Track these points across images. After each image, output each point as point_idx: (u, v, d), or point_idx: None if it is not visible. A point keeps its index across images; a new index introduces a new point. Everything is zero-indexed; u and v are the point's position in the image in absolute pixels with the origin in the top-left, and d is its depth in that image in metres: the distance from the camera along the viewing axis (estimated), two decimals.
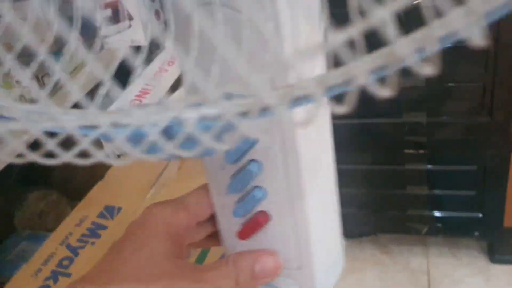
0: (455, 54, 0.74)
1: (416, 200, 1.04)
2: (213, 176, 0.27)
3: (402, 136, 0.97)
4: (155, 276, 0.24)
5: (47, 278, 0.61)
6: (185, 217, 0.28)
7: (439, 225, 1.06)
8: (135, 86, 0.90)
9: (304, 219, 0.25)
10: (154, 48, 0.96)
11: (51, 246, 0.67)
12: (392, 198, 1.04)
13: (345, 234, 0.30)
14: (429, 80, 0.87)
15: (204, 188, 0.29)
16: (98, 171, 1.02)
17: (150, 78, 0.90)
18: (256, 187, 0.25)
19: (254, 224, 0.26)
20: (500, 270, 1.04)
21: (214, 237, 0.31)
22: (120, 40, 1.05)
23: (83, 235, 0.69)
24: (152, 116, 0.18)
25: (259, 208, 0.26)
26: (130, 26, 1.04)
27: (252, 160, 0.24)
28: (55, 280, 0.61)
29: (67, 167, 1.15)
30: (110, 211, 0.72)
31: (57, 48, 0.32)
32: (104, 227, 0.70)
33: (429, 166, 0.99)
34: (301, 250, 0.27)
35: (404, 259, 1.10)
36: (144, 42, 1.06)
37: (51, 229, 0.92)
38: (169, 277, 0.25)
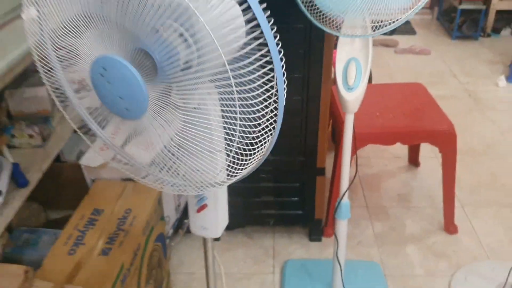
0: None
1: (267, 204, 1.74)
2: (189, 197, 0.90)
3: (258, 173, 1.65)
4: None
5: (72, 245, 1.18)
6: None
7: (280, 219, 1.77)
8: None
9: (220, 205, 0.91)
10: None
11: (69, 230, 1.23)
12: (253, 203, 1.73)
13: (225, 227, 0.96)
14: None
15: None
16: (77, 190, 1.57)
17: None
18: (204, 197, 0.89)
19: (203, 207, 0.90)
20: (315, 245, 1.78)
21: None
22: None
23: (85, 225, 1.26)
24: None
25: (203, 201, 0.90)
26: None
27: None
28: (75, 250, 1.18)
29: (50, 189, 1.74)
30: (97, 212, 1.30)
31: None
32: (96, 220, 1.28)
33: (274, 184, 1.70)
34: (218, 216, 0.92)
35: (260, 241, 1.80)
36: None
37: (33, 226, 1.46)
38: None
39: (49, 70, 0.76)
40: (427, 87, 1.91)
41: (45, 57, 0.75)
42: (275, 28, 0.65)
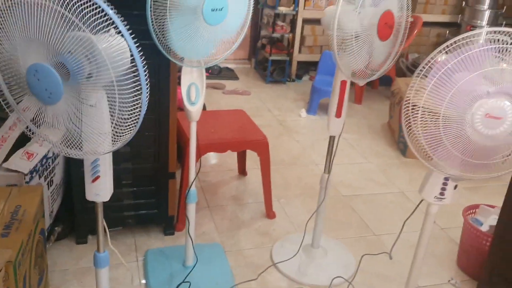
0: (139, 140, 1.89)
1: (128, 206, 2.12)
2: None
3: (120, 180, 2.04)
4: None
5: None
6: None
7: (139, 219, 2.16)
8: None
9: (108, 177, 1.31)
10: None
11: None
12: (116, 207, 2.09)
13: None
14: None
15: None
16: None
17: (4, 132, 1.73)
18: (98, 165, 1.29)
19: (96, 178, 1.30)
20: (169, 238, 2.20)
21: None
22: None
23: None
24: None
25: (97, 173, 1.30)
26: None
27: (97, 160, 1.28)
28: None
29: None
30: None
31: None
32: None
33: (134, 189, 2.10)
34: (107, 185, 1.32)
35: (122, 240, 2.15)
36: None
37: None
38: None
39: None
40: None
41: None
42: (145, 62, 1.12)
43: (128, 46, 1.08)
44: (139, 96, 1.15)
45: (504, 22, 4.69)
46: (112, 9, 1.02)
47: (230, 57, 5.07)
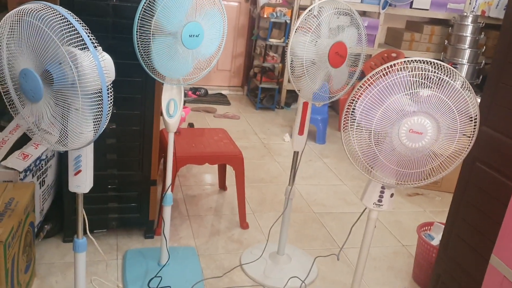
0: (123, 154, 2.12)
1: (112, 210, 2.33)
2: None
3: (106, 185, 2.27)
4: None
5: None
6: None
7: (122, 221, 2.37)
8: None
9: (88, 171, 1.54)
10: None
11: None
12: (102, 209, 2.31)
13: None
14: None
15: None
16: None
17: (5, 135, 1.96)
18: (80, 160, 1.51)
19: (78, 171, 1.53)
20: (149, 241, 2.40)
21: None
22: None
23: None
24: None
25: (79, 168, 1.52)
26: None
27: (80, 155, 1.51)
28: None
29: None
30: None
31: None
32: None
33: (119, 193, 2.32)
34: (87, 179, 1.54)
35: (105, 241, 2.36)
36: None
37: None
38: None
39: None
40: (236, 140, 2.77)
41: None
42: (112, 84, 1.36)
43: (96, 63, 1.32)
44: (101, 107, 1.37)
45: (483, 61, 4.98)
46: (87, 30, 1.26)
47: (224, 84, 5.40)
